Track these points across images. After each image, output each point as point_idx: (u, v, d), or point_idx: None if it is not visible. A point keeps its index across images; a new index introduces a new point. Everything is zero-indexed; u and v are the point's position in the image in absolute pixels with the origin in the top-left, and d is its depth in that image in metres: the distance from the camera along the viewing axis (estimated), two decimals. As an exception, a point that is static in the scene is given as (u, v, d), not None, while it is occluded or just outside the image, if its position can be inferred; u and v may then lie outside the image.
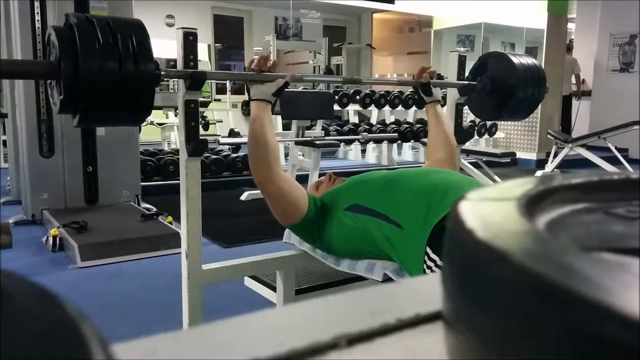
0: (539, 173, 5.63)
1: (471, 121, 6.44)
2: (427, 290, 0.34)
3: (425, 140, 2.20)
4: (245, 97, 5.03)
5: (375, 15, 10.67)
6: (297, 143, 4.25)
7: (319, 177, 3.77)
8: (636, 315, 0.17)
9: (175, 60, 1.62)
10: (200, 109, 2.98)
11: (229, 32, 9.84)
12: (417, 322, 0.30)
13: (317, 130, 5.29)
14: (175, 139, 6.70)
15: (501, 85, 2.08)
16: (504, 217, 0.26)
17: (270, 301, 2.00)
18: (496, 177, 4.80)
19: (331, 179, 1.86)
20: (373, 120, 6.90)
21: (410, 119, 6.97)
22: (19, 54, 3.60)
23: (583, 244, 0.27)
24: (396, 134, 5.91)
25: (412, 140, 6.37)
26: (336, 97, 6.28)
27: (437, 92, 2.01)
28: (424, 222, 1.39)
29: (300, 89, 5.72)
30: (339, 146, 6.46)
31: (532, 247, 0.22)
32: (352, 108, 6.75)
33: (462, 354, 0.24)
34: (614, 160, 5.84)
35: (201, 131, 1.74)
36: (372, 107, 6.71)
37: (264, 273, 2.04)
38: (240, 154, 5.55)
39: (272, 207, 1.62)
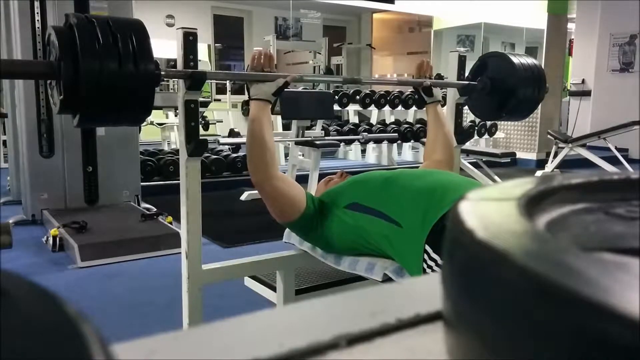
0: (539, 173, 5.63)
1: (471, 121, 6.43)
2: (427, 290, 0.34)
3: (425, 140, 2.20)
4: (245, 97, 5.04)
5: (375, 15, 10.67)
6: (297, 143, 4.25)
7: (318, 178, 3.77)
8: (636, 315, 0.17)
9: (175, 60, 1.62)
10: (200, 109, 2.98)
11: (229, 32, 9.84)
12: (417, 322, 0.30)
13: (317, 130, 5.29)
14: (175, 139, 6.70)
15: (501, 85, 2.08)
16: (504, 217, 0.26)
17: (270, 301, 2.00)
18: (496, 177, 4.80)
19: (342, 175, 1.87)
20: (373, 120, 6.90)
21: (410, 119, 6.97)
22: (19, 54, 3.60)
23: (583, 244, 0.27)
24: (396, 134, 5.91)
25: (412, 140, 6.37)
26: (336, 97, 6.28)
27: (438, 92, 2.02)
28: (423, 221, 1.39)
29: (300, 89, 5.72)
30: (339, 146, 6.46)
31: (532, 247, 0.22)
32: (352, 108, 6.75)
33: (462, 354, 0.24)
34: (614, 160, 5.84)
35: (201, 131, 1.74)
36: (372, 107, 6.70)
37: (264, 273, 2.04)
38: (240, 154, 5.55)
39: (269, 206, 1.63)
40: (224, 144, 5.68)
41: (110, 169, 3.90)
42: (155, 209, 3.78)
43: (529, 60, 2.08)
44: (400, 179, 1.57)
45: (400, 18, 10.53)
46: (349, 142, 6.28)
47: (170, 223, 3.52)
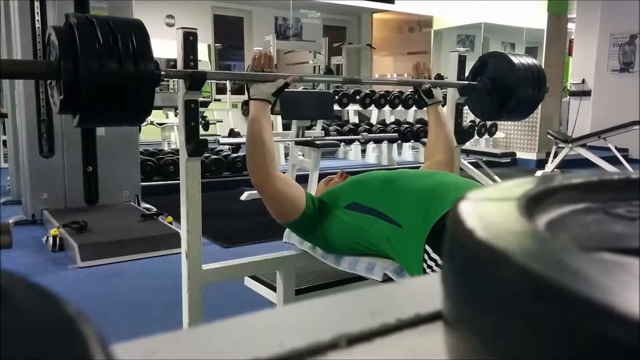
0: (539, 173, 5.63)
1: (471, 121, 6.43)
2: (427, 290, 0.34)
3: (425, 140, 2.20)
4: (245, 97, 5.04)
5: (375, 15, 10.67)
6: (297, 143, 4.25)
7: (318, 178, 3.77)
8: (636, 315, 0.17)
9: (175, 60, 1.62)
10: (200, 109, 2.98)
11: (229, 32, 9.84)
12: (417, 322, 0.30)
13: (317, 130, 5.29)
14: (175, 139, 6.70)
15: (501, 85, 2.08)
16: (504, 217, 0.26)
17: (270, 301, 2.00)
18: (496, 177, 4.79)
19: (342, 175, 1.87)
20: (373, 120, 6.90)
21: (410, 119, 6.97)
22: (19, 54, 3.60)
23: (583, 244, 0.27)
24: (396, 134, 5.91)
25: (412, 140, 6.37)
26: (336, 97, 6.28)
27: (438, 93, 2.02)
28: (423, 221, 1.39)
29: (300, 89, 5.72)
30: (339, 146, 6.46)
31: (532, 247, 0.22)
32: (352, 108, 6.75)
33: (462, 354, 0.24)
34: (614, 160, 5.84)
35: (201, 131, 1.74)
36: (372, 107, 6.70)
37: (264, 273, 2.04)
38: (240, 154, 5.56)
39: (269, 206, 1.63)
40: (224, 144, 5.69)
41: (110, 169, 3.90)
42: (155, 209, 3.78)
43: (529, 60, 2.08)
44: (400, 180, 1.57)
45: (400, 18, 10.53)
46: (349, 142, 6.28)
47: (170, 223, 3.52)
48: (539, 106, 2.39)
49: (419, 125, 6.28)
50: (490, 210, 0.27)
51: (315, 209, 1.64)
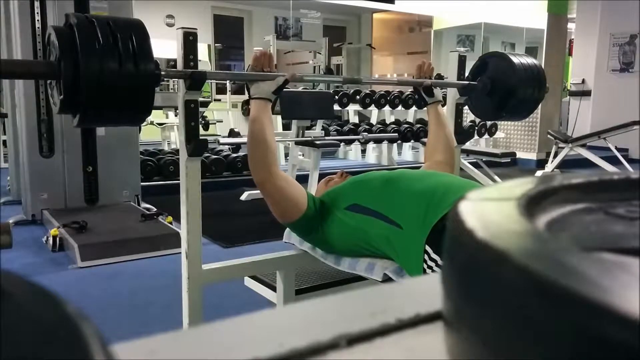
0: (539, 173, 5.63)
1: (471, 121, 6.43)
2: (427, 290, 0.34)
3: (425, 140, 2.20)
4: (246, 96, 5.04)
5: (375, 15, 10.67)
6: (297, 143, 4.25)
7: (318, 178, 3.77)
8: (636, 315, 0.17)
9: (175, 60, 1.62)
10: (200, 109, 2.98)
11: (229, 32, 9.84)
12: (417, 322, 0.30)
13: (317, 130, 5.29)
14: (175, 139, 6.70)
15: (501, 85, 2.08)
16: (504, 217, 0.26)
17: (270, 301, 2.00)
18: (496, 177, 4.79)
19: (342, 175, 1.87)
20: (373, 120, 6.90)
21: (410, 119, 6.97)
22: (19, 54, 3.60)
23: (583, 244, 0.27)
24: (396, 134, 5.91)
25: (412, 140, 6.37)
26: (336, 97, 6.27)
27: (438, 92, 2.02)
28: (423, 222, 1.39)
29: (300, 89, 5.72)
30: (339, 146, 6.46)
31: (532, 247, 0.22)
32: (352, 108, 6.74)
33: (462, 354, 0.24)
34: (614, 160, 5.85)
35: (201, 131, 1.74)
36: (372, 107, 6.70)
37: (264, 273, 2.04)
38: (240, 154, 5.56)
39: (271, 205, 1.63)
40: (224, 144, 5.69)
41: (110, 169, 3.90)
42: (155, 209, 3.78)
43: (529, 60, 2.08)
44: (401, 180, 1.57)
45: (400, 18, 10.52)
46: (349, 142, 6.28)
47: (170, 223, 3.52)
48: (539, 106, 2.39)
49: (419, 125, 6.27)
50: (490, 210, 0.27)
51: (317, 210, 1.64)
